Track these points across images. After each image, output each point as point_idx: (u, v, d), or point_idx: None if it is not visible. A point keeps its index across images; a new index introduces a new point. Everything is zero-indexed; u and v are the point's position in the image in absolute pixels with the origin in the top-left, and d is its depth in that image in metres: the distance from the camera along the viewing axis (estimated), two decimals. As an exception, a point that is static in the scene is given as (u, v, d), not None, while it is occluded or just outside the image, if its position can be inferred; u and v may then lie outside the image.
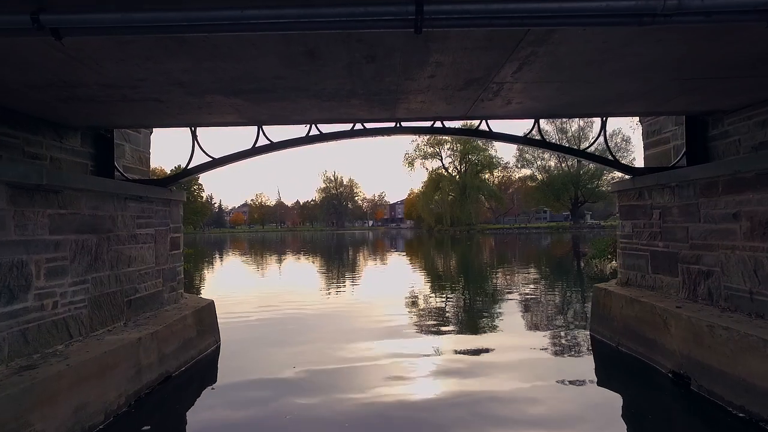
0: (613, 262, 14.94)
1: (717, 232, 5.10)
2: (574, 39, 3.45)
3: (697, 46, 3.72)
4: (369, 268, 20.18)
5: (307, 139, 6.58)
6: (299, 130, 6.63)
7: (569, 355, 6.31)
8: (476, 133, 6.55)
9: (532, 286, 12.79)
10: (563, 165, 76.91)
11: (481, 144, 78.81)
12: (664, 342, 5.23)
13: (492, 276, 15.69)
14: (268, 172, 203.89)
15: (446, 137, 78.78)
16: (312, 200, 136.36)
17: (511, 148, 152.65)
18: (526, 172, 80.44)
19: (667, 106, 5.79)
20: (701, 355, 4.55)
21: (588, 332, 7.06)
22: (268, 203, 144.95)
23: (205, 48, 3.41)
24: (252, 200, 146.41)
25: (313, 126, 6.54)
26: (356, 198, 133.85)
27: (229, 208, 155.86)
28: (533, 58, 3.86)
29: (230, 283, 15.51)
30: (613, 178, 76.68)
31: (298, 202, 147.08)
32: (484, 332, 7.67)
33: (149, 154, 7.62)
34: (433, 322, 8.41)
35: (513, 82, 4.55)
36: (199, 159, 6.70)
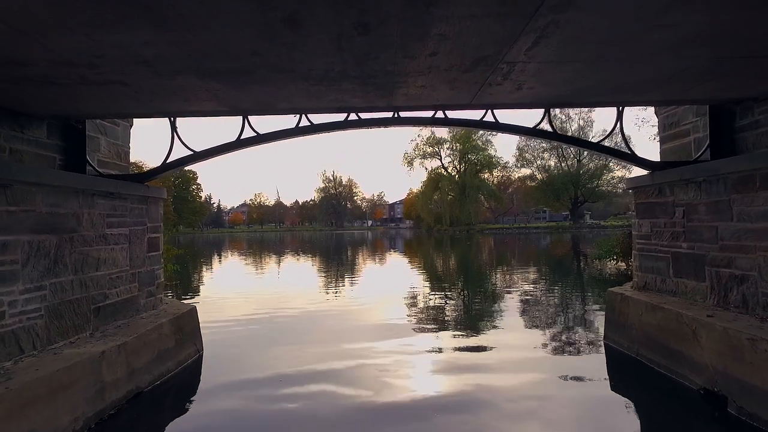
0: (620, 262, 14.42)
1: (754, 232, 4.55)
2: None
3: (740, 15, 3.19)
4: (367, 268, 19.62)
5: (297, 131, 6.03)
6: (288, 122, 6.09)
7: (582, 367, 5.76)
8: (482, 124, 6.00)
9: (535, 288, 12.26)
10: (563, 165, 76.41)
11: (480, 143, 78.38)
12: (692, 355, 4.68)
13: (493, 278, 15.15)
14: (267, 171, 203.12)
15: (446, 136, 78.34)
16: (311, 200, 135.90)
17: (510, 148, 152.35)
18: (526, 171, 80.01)
19: (692, 93, 5.24)
20: (741, 372, 4.00)
21: (602, 340, 6.52)
22: (267, 203, 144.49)
23: (164, 12, 2.86)
24: (251, 200, 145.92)
25: (303, 116, 6.00)
26: (355, 198, 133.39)
27: (228, 207, 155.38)
28: (552, 30, 3.31)
29: (224, 285, 14.95)
30: (613, 178, 75.95)
31: (297, 201, 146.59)
32: (488, 343, 7.11)
33: (129, 148, 7.06)
34: (433, 328, 7.87)
35: (526, 61, 4.00)
36: (180, 152, 6.15)
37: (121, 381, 4.50)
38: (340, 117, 5.98)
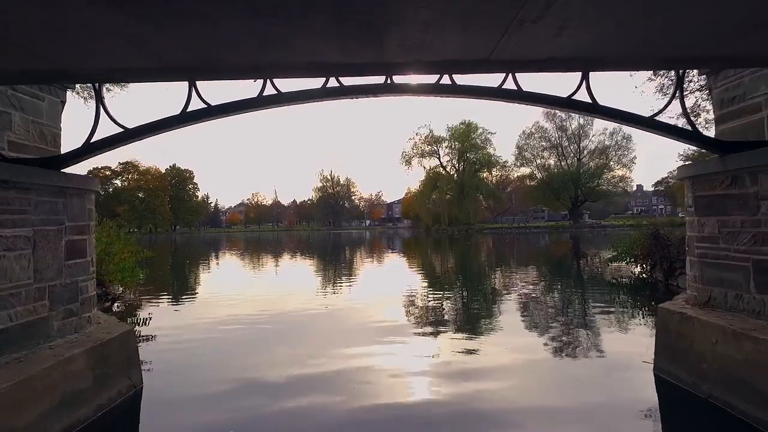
0: (639, 266, 13.03)
1: None
2: None
3: None
4: (365, 269, 18.16)
5: (260, 101, 4.61)
6: (250, 90, 4.67)
7: (628, 408, 4.36)
8: (502, 93, 4.58)
9: (551, 298, 10.84)
10: (563, 163, 75.03)
11: (479, 142, 76.95)
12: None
13: (501, 283, 13.70)
14: (266, 171, 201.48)
15: (444, 134, 77.00)
16: (309, 200, 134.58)
17: (510, 147, 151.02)
18: (525, 171, 78.69)
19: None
20: None
21: (651, 371, 5.11)
22: (265, 203, 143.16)
23: None
24: (248, 200, 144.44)
25: (269, 83, 4.59)
26: (353, 197, 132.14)
27: (226, 207, 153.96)
28: None
29: (209, 289, 13.42)
30: (613, 177, 75.00)
31: (294, 201, 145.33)
32: (501, 369, 5.69)
33: (59, 129, 5.64)
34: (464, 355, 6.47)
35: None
36: (109, 130, 4.73)
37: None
38: (316, 83, 4.57)
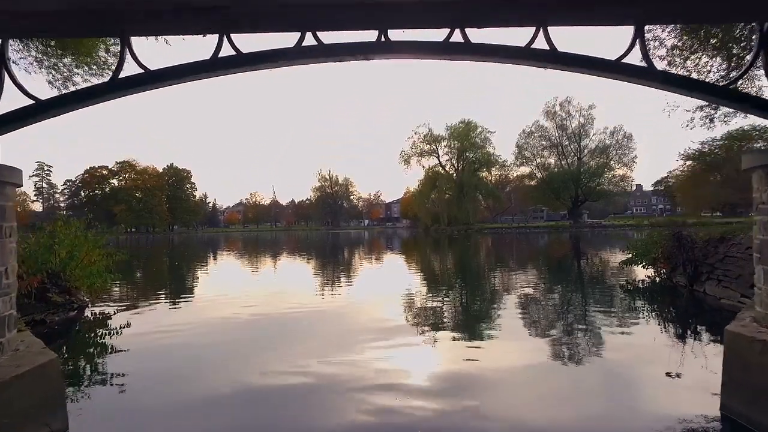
0: (652, 269, 11.86)
1: None
2: None
3: None
4: (363, 270, 17.03)
5: (210, 65, 3.51)
6: (203, 50, 3.57)
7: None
8: (532, 54, 3.49)
9: (571, 309, 9.70)
10: (563, 163, 73.88)
11: (479, 141, 75.77)
12: None
13: (510, 287, 12.55)
14: (264, 171, 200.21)
15: (443, 133, 75.83)
16: (307, 199, 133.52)
17: (509, 146, 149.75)
18: (525, 170, 77.62)
19: None
20: None
21: (718, 410, 4.02)
22: (263, 202, 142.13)
23: None
24: (247, 199, 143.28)
25: (226, 41, 3.49)
26: (352, 197, 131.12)
27: (224, 207, 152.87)
28: None
29: (196, 292, 12.21)
30: (614, 176, 74.38)
31: (293, 201, 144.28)
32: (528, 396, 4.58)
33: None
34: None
35: None
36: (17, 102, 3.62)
37: None
38: (288, 40, 3.48)
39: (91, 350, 6.72)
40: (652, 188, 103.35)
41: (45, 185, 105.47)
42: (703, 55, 6.86)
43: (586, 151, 74.74)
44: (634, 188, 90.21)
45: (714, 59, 6.86)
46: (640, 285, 11.42)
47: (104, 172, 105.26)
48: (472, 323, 8.01)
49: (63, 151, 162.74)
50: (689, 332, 7.20)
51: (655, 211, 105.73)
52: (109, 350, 6.40)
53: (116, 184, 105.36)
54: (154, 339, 6.93)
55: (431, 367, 5.42)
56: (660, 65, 7.81)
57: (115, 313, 8.84)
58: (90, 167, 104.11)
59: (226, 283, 14.35)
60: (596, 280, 13.76)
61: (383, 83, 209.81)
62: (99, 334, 7.48)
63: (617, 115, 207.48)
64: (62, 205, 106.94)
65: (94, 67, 7.51)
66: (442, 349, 6.30)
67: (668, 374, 4.93)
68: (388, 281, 14.37)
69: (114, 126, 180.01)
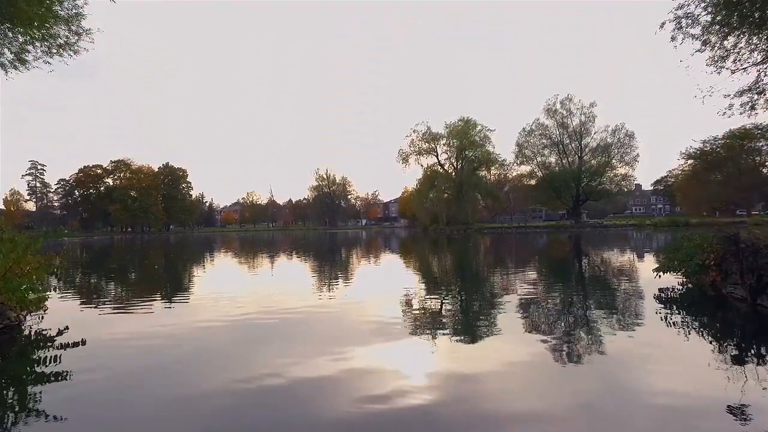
0: (712, 279, 9.09)
1: None
2: None
3: None
4: (361, 272, 16.22)
5: None
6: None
7: None
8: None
9: (612, 328, 8.74)
10: (564, 161, 73.07)
11: (478, 139, 74.85)
12: None
13: (521, 295, 11.50)
14: (261, 170, 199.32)
15: (442, 131, 74.97)
16: (304, 199, 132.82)
17: (509, 145, 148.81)
18: (525, 169, 76.93)
19: None
20: None
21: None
22: (260, 202, 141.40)
23: None
24: (244, 199, 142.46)
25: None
26: (349, 196, 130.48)
27: (221, 206, 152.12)
28: None
29: (167, 299, 11.35)
30: (615, 176, 73.68)
31: (290, 200, 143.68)
32: None
33: None
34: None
35: None
36: None
37: None
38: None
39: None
40: (651, 188, 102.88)
41: (38, 184, 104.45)
42: (747, 31, 5.98)
43: (587, 149, 74.13)
44: (633, 188, 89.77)
45: (759, 36, 6.02)
46: (677, 295, 8.89)
47: (99, 171, 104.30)
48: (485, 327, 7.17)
49: (57, 150, 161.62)
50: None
51: (655, 211, 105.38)
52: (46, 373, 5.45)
53: (111, 184, 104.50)
54: (111, 361, 6.07)
55: (431, 367, 4.95)
56: (693, 46, 6.96)
57: (65, 330, 6.69)
58: (84, 166, 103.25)
59: (220, 284, 13.51)
60: (621, 288, 11.38)
61: (383, 83, 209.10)
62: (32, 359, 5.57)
63: (617, 114, 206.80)
64: (56, 204, 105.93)
65: None
66: (442, 348, 5.62)
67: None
68: (386, 282, 13.60)
69: (110, 125, 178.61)
